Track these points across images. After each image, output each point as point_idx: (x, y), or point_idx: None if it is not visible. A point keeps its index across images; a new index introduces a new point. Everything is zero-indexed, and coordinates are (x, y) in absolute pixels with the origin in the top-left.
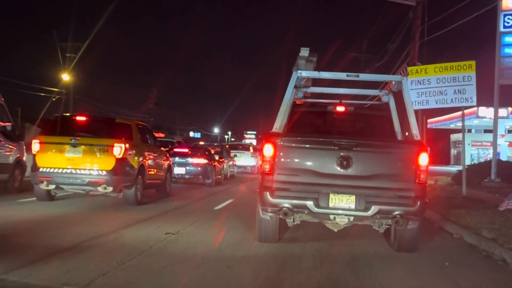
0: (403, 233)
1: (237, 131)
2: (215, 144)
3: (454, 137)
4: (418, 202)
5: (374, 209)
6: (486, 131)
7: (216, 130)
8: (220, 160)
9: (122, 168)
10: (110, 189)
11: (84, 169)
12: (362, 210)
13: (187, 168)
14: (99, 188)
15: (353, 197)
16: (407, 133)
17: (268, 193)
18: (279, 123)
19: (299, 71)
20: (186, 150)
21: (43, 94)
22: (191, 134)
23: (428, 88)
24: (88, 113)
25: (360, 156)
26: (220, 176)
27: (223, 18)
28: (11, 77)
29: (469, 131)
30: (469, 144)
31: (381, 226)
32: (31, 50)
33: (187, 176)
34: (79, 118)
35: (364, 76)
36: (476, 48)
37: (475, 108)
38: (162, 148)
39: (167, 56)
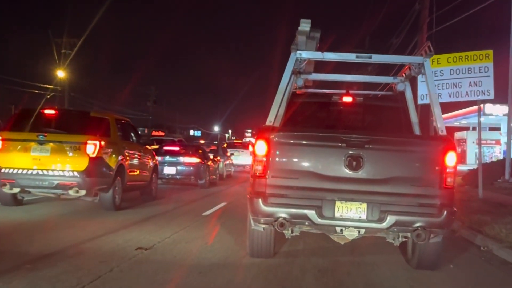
0: (424, 248)
1: (238, 129)
2: (215, 142)
3: (458, 135)
4: (445, 212)
5: (390, 220)
6: (491, 129)
7: (216, 128)
8: (215, 159)
9: (96, 169)
10: (83, 192)
11: (53, 170)
12: (376, 221)
13: (178, 167)
14: (71, 192)
15: (364, 205)
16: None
17: (260, 200)
18: (274, 115)
19: (298, 52)
20: (177, 148)
21: (37, 91)
22: (191, 132)
23: (440, 80)
24: (58, 106)
25: (373, 155)
26: (214, 176)
27: (223, 14)
28: (4, 74)
29: (473, 129)
30: (473, 142)
31: (397, 238)
32: (25, 46)
33: (178, 177)
34: (47, 111)
35: (378, 58)
36: (488, 40)
37: (481, 105)
38: (147, 146)
39: (167, 55)
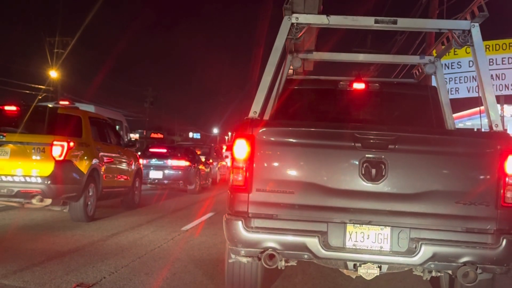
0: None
1: None
2: (213, 144)
3: None
4: (504, 240)
5: (425, 252)
6: None
7: (215, 130)
8: (207, 162)
9: (64, 174)
10: (48, 201)
11: (13, 176)
12: (404, 253)
13: (165, 171)
14: (34, 201)
15: (387, 230)
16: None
17: (240, 223)
18: (260, 105)
19: (294, 15)
20: (164, 150)
21: (27, 92)
22: (190, 134)
23: (458, 73)
24: (20, 102)
25: (400, 160)
26: (206, 181)
27: (224, 14)
28: None
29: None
30: None
31: (428, 272)
32: (16, 44)
33: (165, 181)
34: (7, 108)
35: (405, 23)
36: (503, 32)
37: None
38: (128, 149)
39: (166, 56)
